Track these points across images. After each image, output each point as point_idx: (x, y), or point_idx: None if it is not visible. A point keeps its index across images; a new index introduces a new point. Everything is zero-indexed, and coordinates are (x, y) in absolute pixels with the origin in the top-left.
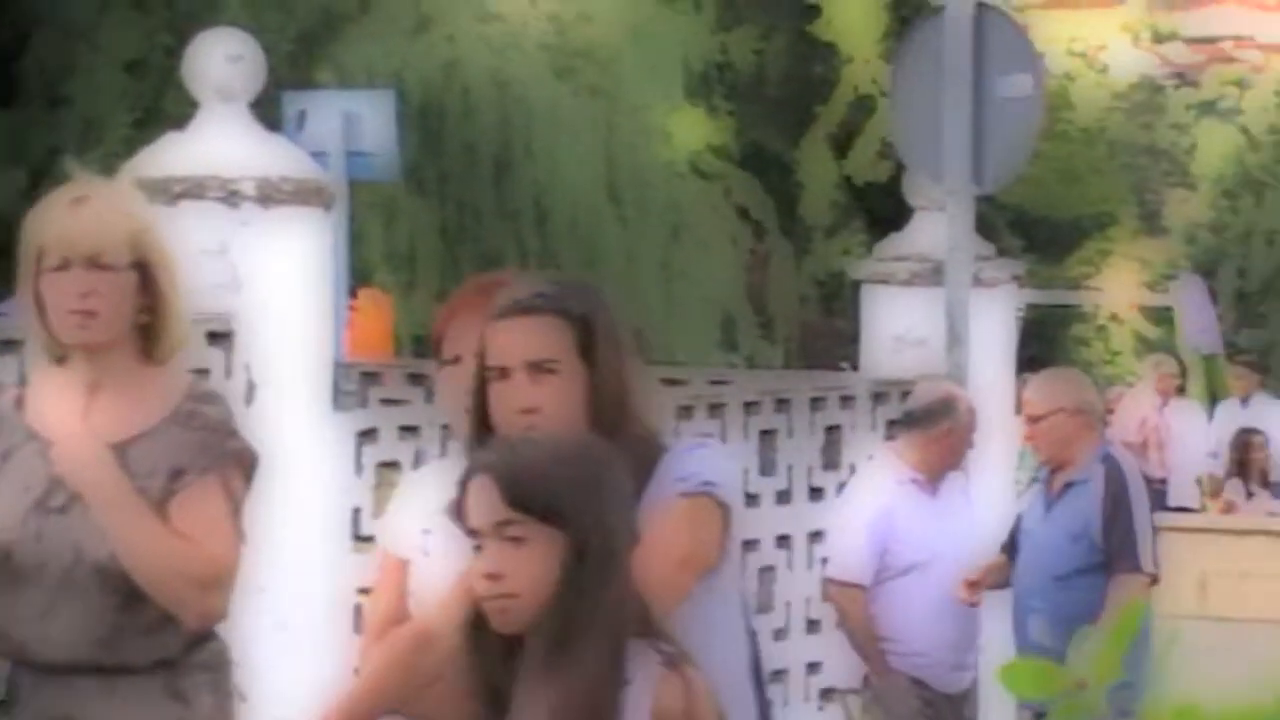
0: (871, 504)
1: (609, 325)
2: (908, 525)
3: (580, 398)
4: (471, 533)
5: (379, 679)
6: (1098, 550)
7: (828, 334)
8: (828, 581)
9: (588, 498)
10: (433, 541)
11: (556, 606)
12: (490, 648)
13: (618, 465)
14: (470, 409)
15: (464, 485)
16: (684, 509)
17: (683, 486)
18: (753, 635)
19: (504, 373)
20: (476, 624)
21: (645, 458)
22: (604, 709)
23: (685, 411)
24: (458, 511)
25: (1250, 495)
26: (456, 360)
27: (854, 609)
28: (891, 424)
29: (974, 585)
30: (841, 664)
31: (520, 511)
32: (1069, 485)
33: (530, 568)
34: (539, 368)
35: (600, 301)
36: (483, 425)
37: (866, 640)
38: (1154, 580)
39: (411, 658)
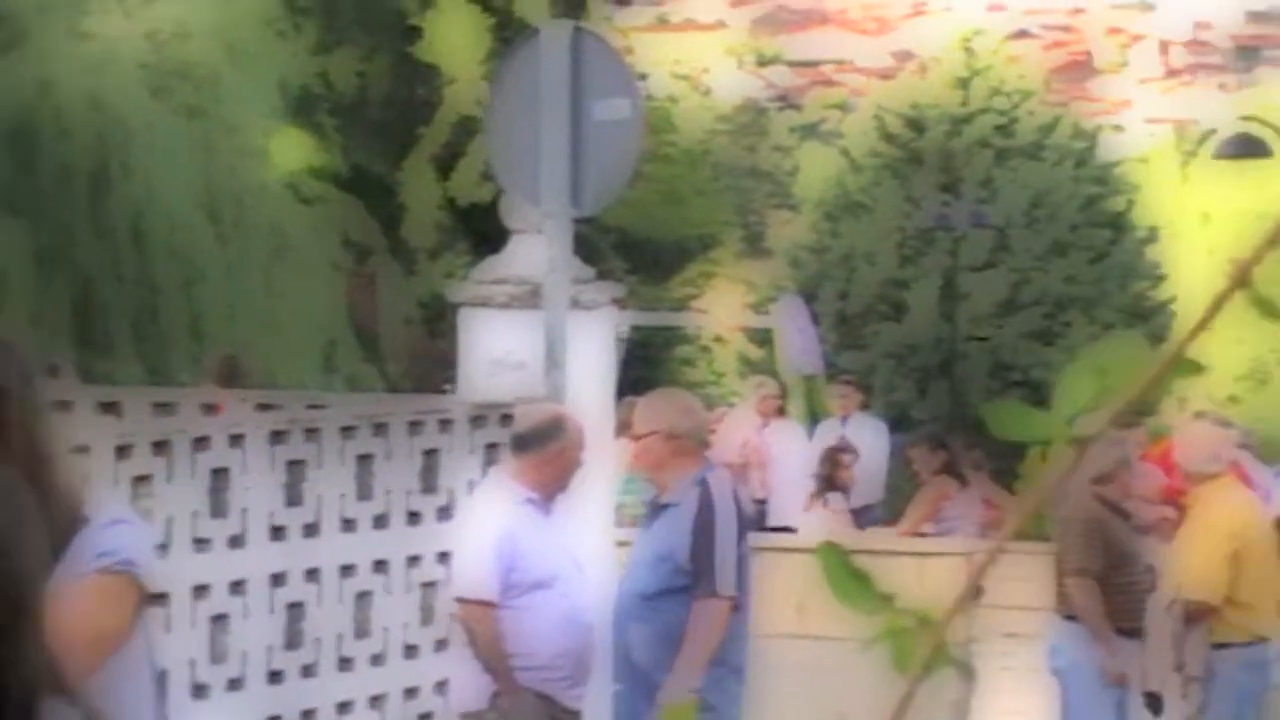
0: (493, 525)
1: (25, 393)
2: (529, 544)
3: None
4: None
5: None
6: (683, 572)
7: (433, 357)
8: (456, 600)
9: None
10: None
11: None
12: None
13: (30, 504)
14: None
15: None
16: (101, 586)
17: (103, 563)
18: (161, 709)
19: None
20: None
21: (63, 527)
22: None
23: (280, 437)
24: None
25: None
26: None
27: (482, 627)
28: (491, 447)
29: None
30: (465, 686)
31: None
32: (664, 507)
33: None
34: None
35: (17, 368)
36: None
37: (496, 658)
38: (734, 603)
39: None
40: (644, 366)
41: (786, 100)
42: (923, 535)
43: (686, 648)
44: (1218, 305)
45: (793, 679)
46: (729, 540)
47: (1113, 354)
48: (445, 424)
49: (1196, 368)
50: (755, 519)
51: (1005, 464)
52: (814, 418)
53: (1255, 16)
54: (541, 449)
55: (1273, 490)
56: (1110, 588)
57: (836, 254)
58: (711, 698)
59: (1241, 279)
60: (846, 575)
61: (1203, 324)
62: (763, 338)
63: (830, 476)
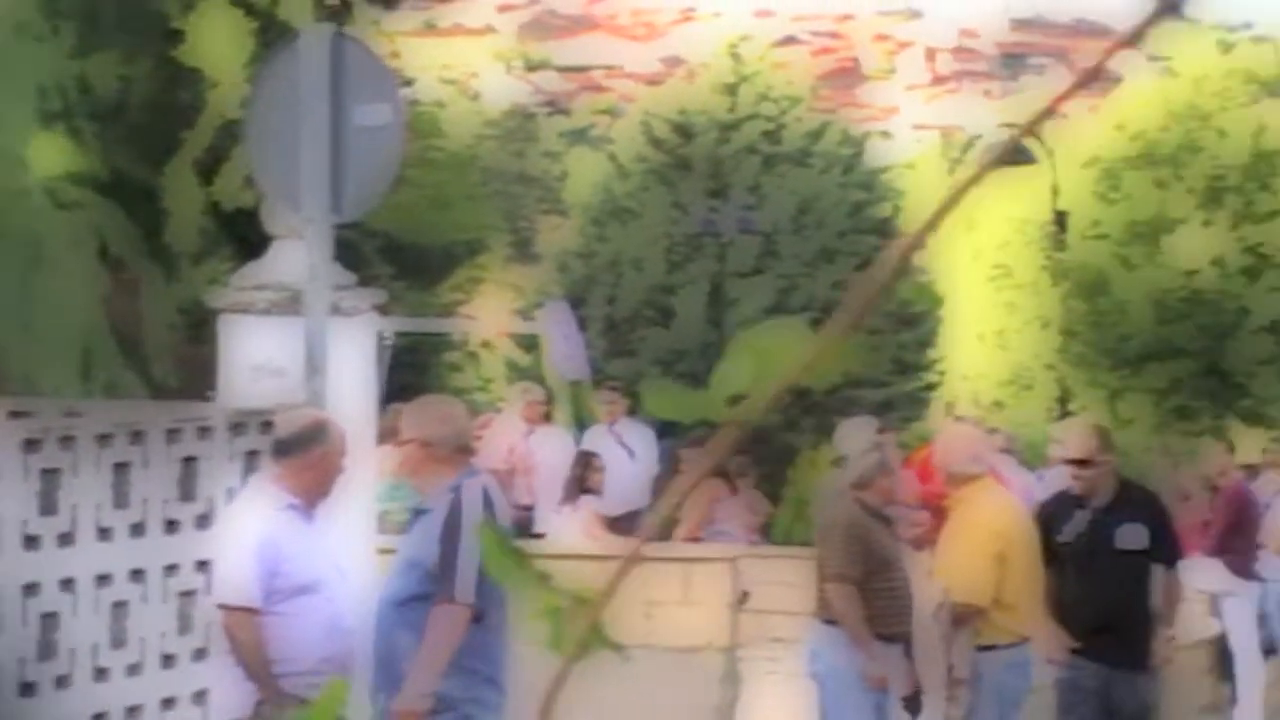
0: (255, 530)
1: None
2: (291, 550)
3: None
4: None
5: None
6: (432, 579)
7: (197, 363)
8: (218, 607)
9: None
10: None
11: None
12: None
13: None
14: None
15: None
16: None
17: None
18: None
19: None
20: None
21: None
22: None
23: (33, 445)
24: None
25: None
26: None
27: (245, 633)
28: (251, 454)
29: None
30: (228, 694)
31: None
32: (420, 514)
33: None
34: None
35: None
36: None
37: (259, 664)
38: (475, 612)
39: None
40: (412, 372)
41: (555, 105)
42: (695, 540)
43: (421, 652)
44: (876, 292)
45: (637, 689)
46: (473, 547)
47: (771, 337)
48: (204, 431)
49: (862, 355)
50: (521, 525)
51: (773, 470)
52: (581, 424)
53: (1020, 24)
54: (303, 454)
55: (1034, 494)
56: (870, 593)
57: (604, 259)
58: (466, 708)
59: (903, 266)
60: (503, 554)
61: (861, 311)
62: (530, 343)
63: (582, 479)
